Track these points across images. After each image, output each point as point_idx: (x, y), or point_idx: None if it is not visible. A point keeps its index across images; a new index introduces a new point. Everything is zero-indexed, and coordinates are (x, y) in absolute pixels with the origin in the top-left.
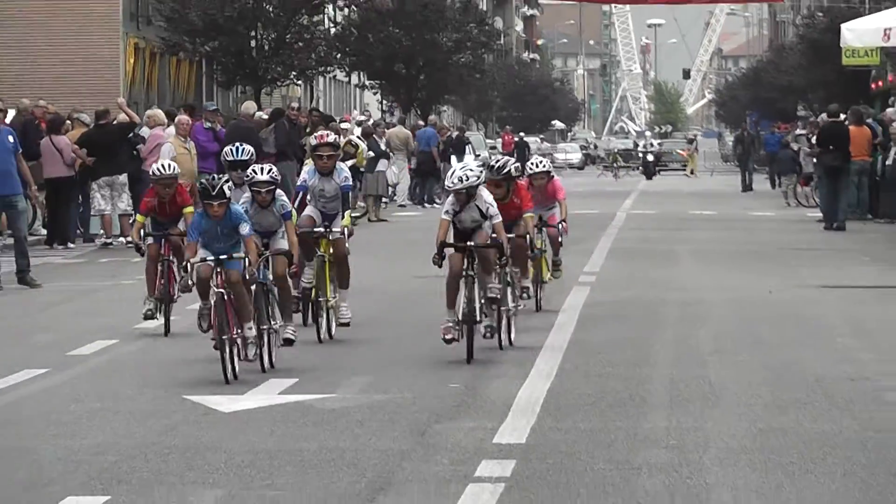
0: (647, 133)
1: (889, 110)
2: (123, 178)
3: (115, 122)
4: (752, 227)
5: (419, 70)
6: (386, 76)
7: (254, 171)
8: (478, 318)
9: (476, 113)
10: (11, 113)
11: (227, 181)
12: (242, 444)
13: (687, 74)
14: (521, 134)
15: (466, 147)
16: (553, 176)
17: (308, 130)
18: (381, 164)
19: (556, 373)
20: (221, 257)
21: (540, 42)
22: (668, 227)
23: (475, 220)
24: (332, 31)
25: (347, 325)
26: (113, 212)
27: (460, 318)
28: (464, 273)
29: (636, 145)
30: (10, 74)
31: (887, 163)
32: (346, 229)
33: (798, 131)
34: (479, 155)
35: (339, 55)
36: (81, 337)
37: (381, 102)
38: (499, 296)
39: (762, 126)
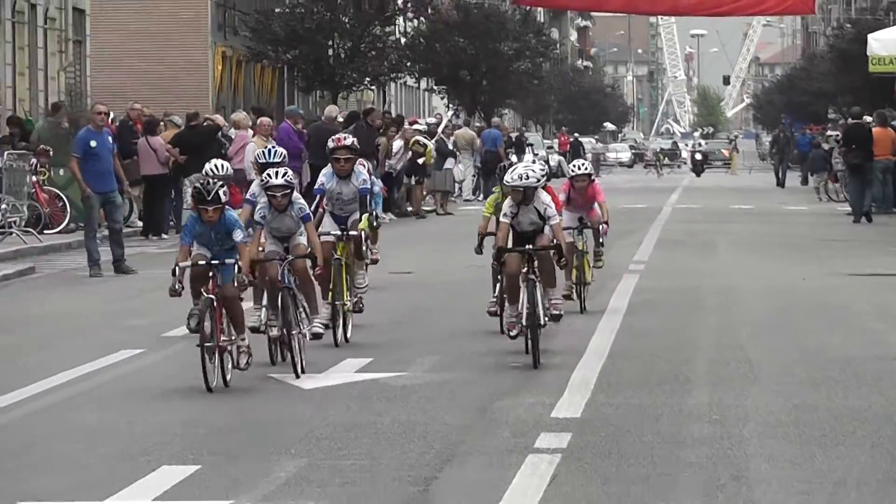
0: (696, 134)
1: None
2: None
3: (204, 124)
4: (787, 220)
5: (482, 76)
6: (452, 82)
7: (269, 175)
8: (542, 323)
9: (534, 116)
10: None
11: (222, 186)
12: (322, 419)
13: (727, 80)
14: (576, 134)
15: (527, 147)
16: (594, 179)
17: (381, 131)
18: (449, 163)
19: (607, 353)
20: (213, 262)
21: (592, 51)
22: (710, 220)
23: (533, 222)
24: (403, 40)
25: (364, 291)
26: None
27: (524, 322)
28: (524, 277)
29: (675, 145)
30: (110, 81)
31: None
32: (363, 232)
33: (829, 132)
34: (538, 154)
35: (408, 62)
36: (174, 320)
37: (448, 106)
38: (562, 312)
39: (795, 128)
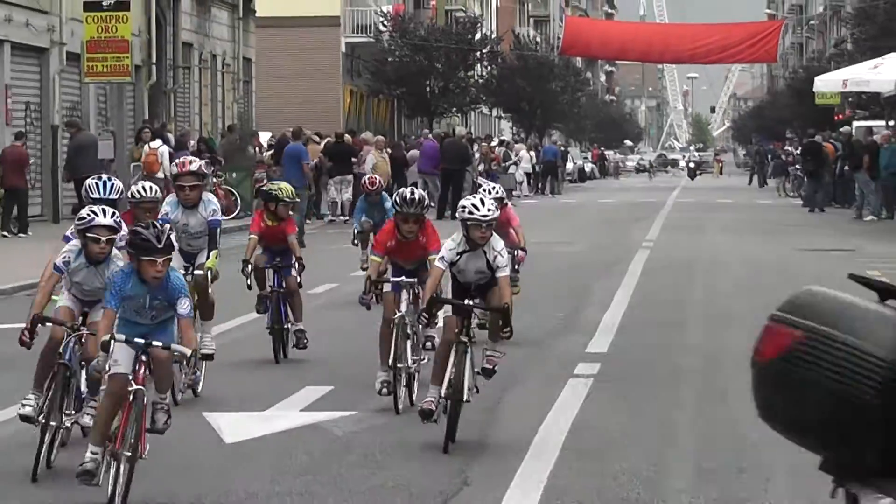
0: (691, 148)
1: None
2: (350, 177)
3: (344, 141)
4: (756, 210)
5: (536, 107)
6: (514, 111)
7: (93, 212)
8: (465, 398)
9: (574, 135)
10: (267, 134)
11: (171, 230)
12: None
13: (713, 110)
14: (602, 148)
15: (568, 156)
16: (506, 203)
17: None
18: (512, 168)
19: (627, 304)
20: (151, 343)
21: (616, 89)
22: (701, 210)
23: (480, 271)
24: (480, 81)
25: (211, 357)
26: (338, 196)
27: (442, 393)
28: (457, 339)
29: (663, 157)
30: (270, 111)
31: (845, 168)
32: (209, 271)
33: (786, 147)
34: (576, 162)
35: (484, 97)
36: (313, 282)
37: (512, 128)
38: (496, 368)
39: (763, 144)
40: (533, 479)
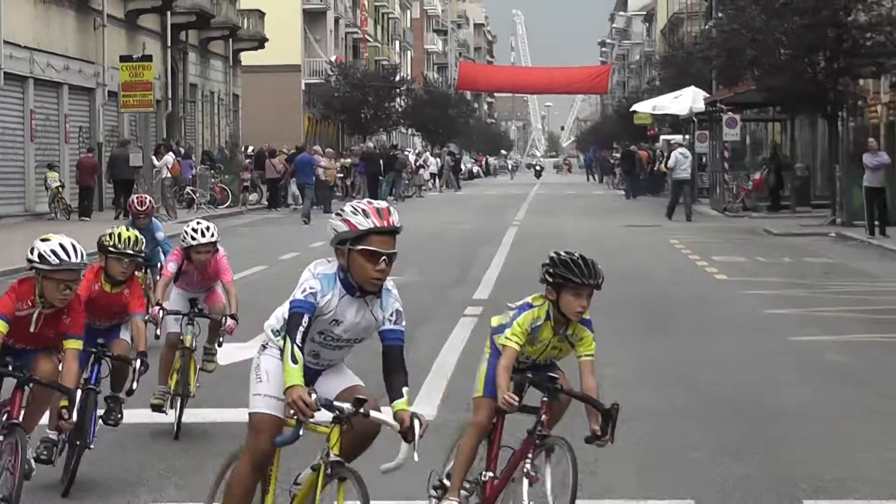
0: (539, 155)
1: (657, 144)
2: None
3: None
4: (592, 198)
5: (440, 127)
6: (424, 130)
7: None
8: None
9: (465, 147)
10: (251, 147)
11: None
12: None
13: (563, 128)
14: (487, 156)
15: (461, 160)
16: (219, 249)
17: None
18: (421, 170)
19: (502, 264)
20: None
21: (495, 114)
22: (554, 199)
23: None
24: (400, 109)
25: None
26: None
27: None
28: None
29: (506, 160)
30: (251, 132)
31: (655, 168)
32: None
33: (614, 154)
34: (467, 166)
35: (402, 120)
36: (245, 265)
37: (423, 142)
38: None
39: (596, 152)
40: (434, 389)
